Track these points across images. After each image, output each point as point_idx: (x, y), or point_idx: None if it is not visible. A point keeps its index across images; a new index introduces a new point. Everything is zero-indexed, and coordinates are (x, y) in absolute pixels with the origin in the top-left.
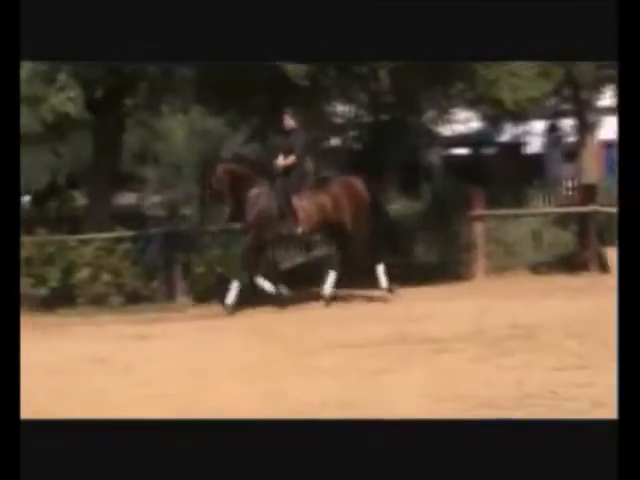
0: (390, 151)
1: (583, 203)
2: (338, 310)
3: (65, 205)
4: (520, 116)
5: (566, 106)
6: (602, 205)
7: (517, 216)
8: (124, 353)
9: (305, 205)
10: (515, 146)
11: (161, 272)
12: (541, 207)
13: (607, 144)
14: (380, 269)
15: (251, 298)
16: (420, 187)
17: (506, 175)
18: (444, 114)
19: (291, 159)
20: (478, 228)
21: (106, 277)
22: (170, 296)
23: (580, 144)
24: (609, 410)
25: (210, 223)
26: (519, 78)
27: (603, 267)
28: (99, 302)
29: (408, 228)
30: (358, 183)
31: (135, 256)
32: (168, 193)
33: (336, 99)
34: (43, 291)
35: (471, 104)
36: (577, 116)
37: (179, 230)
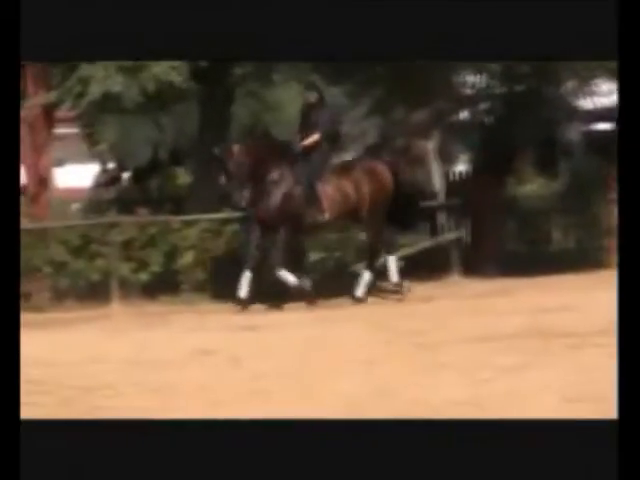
0: (524, 126)
1: None
2: (465, 301)
3: (168, 183)
4: None
5: None
6: None
7: None
8: (231, 345)
9: (329, 190)
10: None
11: None
12: None
13: None
14: (392, 261)
15: (371, 289)
16: (558, 166)
17: None
18: (585, 85)
19: (313, 138)
20: None
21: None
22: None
23: None
24: None
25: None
26: None
27: None
28: (204, 289)
29: (543, 210)
30: (381, 169)
31: (243, 238)
32: None
33: (465, 68)
34: (144, 276)
35: (614, 74)
36: None
37: None
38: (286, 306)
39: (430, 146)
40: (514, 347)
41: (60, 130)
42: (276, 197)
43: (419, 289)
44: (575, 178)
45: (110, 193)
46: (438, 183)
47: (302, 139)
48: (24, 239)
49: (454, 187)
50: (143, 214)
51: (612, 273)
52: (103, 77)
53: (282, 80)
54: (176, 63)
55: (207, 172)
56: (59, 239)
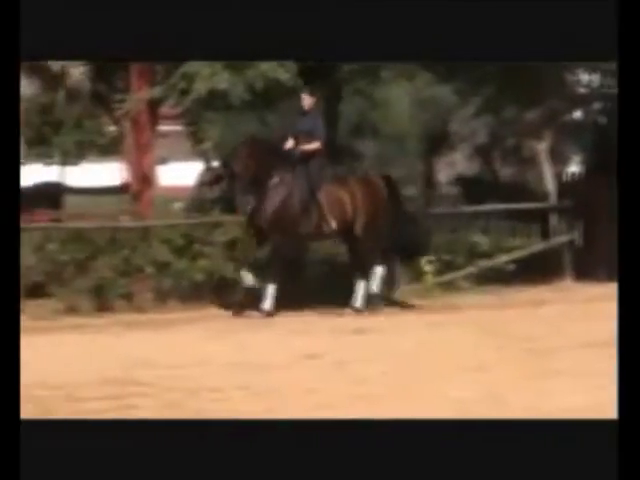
0: None
1: None
2: (578, 305)
3: None
4: None
5: None
6: None
7: None
8: (337, 349)
9: (327, 199)
10: None
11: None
12: None
13: None
14: (378, 271)
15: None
16: None
17: None
18: None
19: (314, 145)
20: None
21: None
22: (390, 286)
23: None
24: None
25: (436, 205)
26: None
27: None
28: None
29: None
30: (377, 182)
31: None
32: (388, 170)
33: (578, 66)
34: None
35: None
36: None
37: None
38: (393, 310)
39: (542, 146)
40: None
41: (164, 127)
42: (274, 203)
43: (531, 293)
44: None
45: (214, 192)
46: (550, 184)
47: (295, 145)
48: (126, 237)
49: (566, 189)
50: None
51: None
52: (209, 74)
53: (390, 77)
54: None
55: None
56: (162, 238)
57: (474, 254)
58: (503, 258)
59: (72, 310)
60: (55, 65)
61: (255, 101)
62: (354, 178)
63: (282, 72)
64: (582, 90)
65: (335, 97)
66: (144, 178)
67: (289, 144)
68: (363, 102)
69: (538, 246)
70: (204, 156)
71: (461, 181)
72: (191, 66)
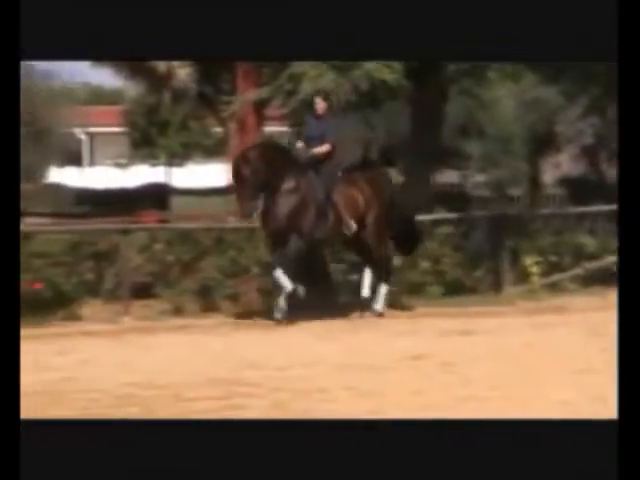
0: None
1: None
2: None
3: None
4: None
5: None
6: None
7: None
8: (443, 350)
9: (342, 201)
10: None
11: (486, 260)
12: None
13: None
14: (383, 290)
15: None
16: None
17: None
18: None
19: (325, 147)
20: None
21: (424, 264)
22: (496, 287)
23: None
24: None
25: (542, 206)
26: None
27: None
28: (416, 292)
29: None
30: (382, 178)
31: (457, 241)
32: (494, 171)
33: None
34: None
35: None
36: None
37: (507, 213)
38: (499, 311)
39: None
40: None
41: (269, 128)
42: (287, 207)
43: None
44: None
45: None
46: None
47: (306, 148)
48: (232, 238)
49: None
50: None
51: None
52: (315, 75)
53: (496, 78)
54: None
55: (419, 172)
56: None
57: (580, 255)
58: (610, 259)
59: (178, 311)
60: (161, 66)
61: (360, 101)
62: (363, 175)
63: (387, 72)
64: None
65: (441, 97)
66: None
67: (299, 148)
68: (469, 102)
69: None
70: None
71: (567, 182)
72: (298, 67)
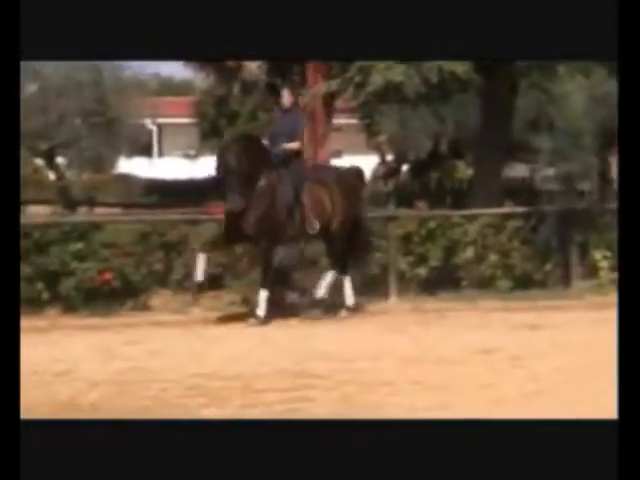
0: None
1: None
2: None
3: (448, 176)
4: None
5: None
6: None
7: None
8: (512, 344)
9: (310, 201)
10: None
11: (555, 254)
12: None
13: None
14: (348, 282)
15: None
16: None
17: None
18: None
19: (295, 144)
20: None
21: (493, 258)
22: (565, 282)
23: None
24: None
25: (612, 200)
26: None
27: None
28: (485, 286)
29: None
30: (353, 176)
31: (526, 235)
32: (564, 165)
33: None
34: (422, 271)
35: None
36: None
37: (576, 207)
38: (569, 304)
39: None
40: None
41: (339, 121)
42: (259, 209)
43: None
44: None
45: (388, 186)
46: None
47: (273, 145)
48: None
49: None
50: (422, 208)
51: None
52: (384, 67)
53: (566, 73)
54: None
55: (489, 165)
56: None
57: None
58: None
59: (247, 302)
60: None
61: (430, 94)
62: (330, 173)
63: (458, 65)
64: None
65: (511, 91)
66: None
67: (266, 144)
68: (539, 96)
69: None
70: (378, 150)
71: None
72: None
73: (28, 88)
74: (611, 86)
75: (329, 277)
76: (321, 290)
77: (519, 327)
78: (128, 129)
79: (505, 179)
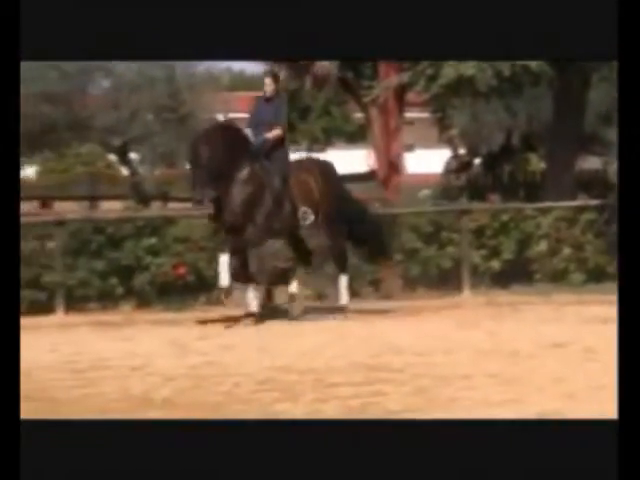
0: None
1: None
2: None
3: (520, 169)
4: None
5: None
6: None
7: None
8: (586, 337)
9: (298, 189)
10: None
11: None
12: None
13: None
14: (343, 281)
15: None
16: None
17: None
18: None
19: (277, 132)
20: None
21: (566, 251)
22: None
23: None
24: None
25: None
26: None
27: None
28: (558, 279)
29: None
30: (331, 166)
31: (599, 228)
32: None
33: None
34: (495, 265)
35: None
36: None
37: None
38: None
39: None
40: None
41: (410, 114)
42: (243, 197)
43: None
44: None
45: (461, 179)
46: None
47: (255, 134)
48: None
49: None
50: (495, 201)
51: None
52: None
53: None
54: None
55: (562, 158)
56: (410, 225)
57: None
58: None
59: (320, 296)
60: None
61: (502, 87)
62: (310, 161)
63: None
64: None
65: (584, 84)
66: (391, 165)
67: (248, 133)
68: (611, 89)
69: None
70: (450, 143)
71: None
72: None
73: (101, 84)
74: None
75: (344, 281)
76: (343, 297)
77: (592, 320)
78: (200, 124)
79: (578, 172)
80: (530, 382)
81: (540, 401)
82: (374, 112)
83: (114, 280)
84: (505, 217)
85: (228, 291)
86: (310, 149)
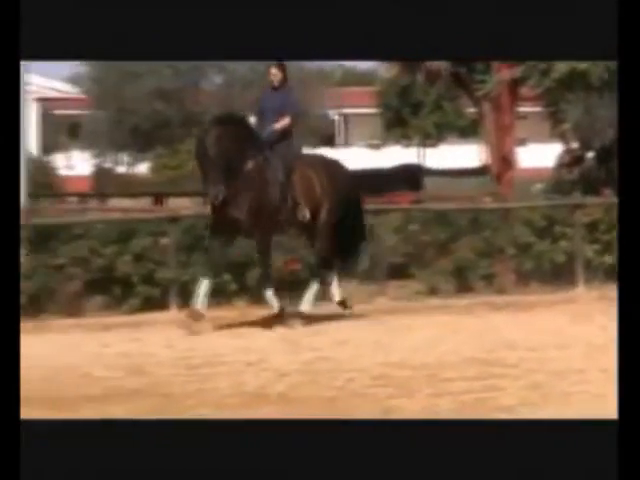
0: None
1: None
2: None
3: None
4: None
5: None
6: None
7: None
8: None
9: (300, 184)
10: None
11: None
12: None
13: None
14: (314, 288)
15: None
16: None
17: None
18: None
19: (284, 122)
20: None
21: None
22: None
23: None
24: None
25: None
26: None
27: None
28: None
29: None
30: (338, 163)
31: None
32: None
33: None
34: (609, 259)
35: None
36: None
37: None
38: None
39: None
40: None
41: (523, 109)
42: (252, 190)
43: None
44: None
45: (573, 173)
46: None
47: (261, 124)
48: (487, 218)
49: None
50: (609, 195)
51: None
52: None
53: None
54: None
55: None
56: (523, 219)
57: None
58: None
59: (433, 291)
60: None
61: (614, 81)
62: (315, 157)
63: None
64: None
65: None
66: (504, 160)
67: (254, 123)
68: None
69: None
70: (563, 137)
71: None
72: None
73: (213, 81)
74: None
75: (314, 289)
76: (336, 294)
77: None
78: (312, 120)
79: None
80: None
81: None
82: (487, 107)
83: (227, 276)
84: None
85: (198, 314)
86: (422, 144)
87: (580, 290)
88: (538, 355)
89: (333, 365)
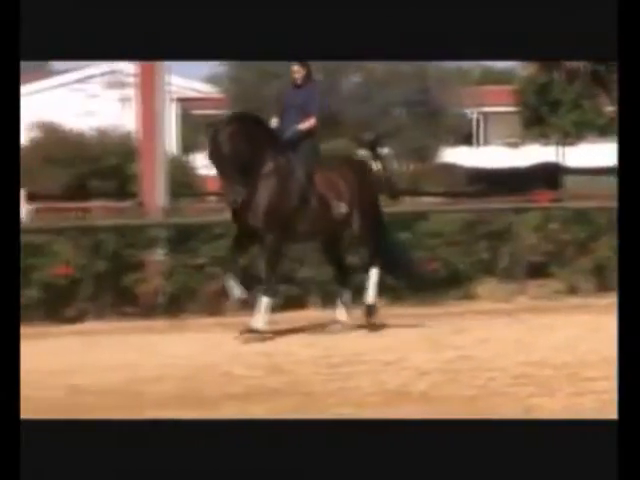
0: None
1: None
2: None
3: None
4: None
5: None
6: None
7: None
8: None
9: (323, 184)
10: None
11: None
12: None
13: None
14: (374, 274)
15: None
16: None
17: None
18: None
19: (310, 122)
20: None
21: None
22: None
23: None
24: None
25: None
26: None
27: None
28: None
29: None
30: (367, 166)
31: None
32: None
33: None
34: None
35: None
36: None
37: None
38: None
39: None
40: None
41: None
42: (267, 195)
43: None
44: None
45: None
46: None
47: (283, 123)
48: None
49: None
50: None
51: None
52: None
53: None
54: None
55: None
56: None
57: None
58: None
59: (573, 290)
60: None
61: None
62: (343, 159)
63: None
64: None
65: None
66: None
67: (275, 123)
68: None
69: None
70: None
71: None
72: None
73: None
74: None
75: (374, 275)
76: (370, 296)
77: None
78: (451, 119)
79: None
80: None
81: None
82: None
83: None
84: None
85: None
86: (561, 142)
87: None
88: None
89: (474, 364)
